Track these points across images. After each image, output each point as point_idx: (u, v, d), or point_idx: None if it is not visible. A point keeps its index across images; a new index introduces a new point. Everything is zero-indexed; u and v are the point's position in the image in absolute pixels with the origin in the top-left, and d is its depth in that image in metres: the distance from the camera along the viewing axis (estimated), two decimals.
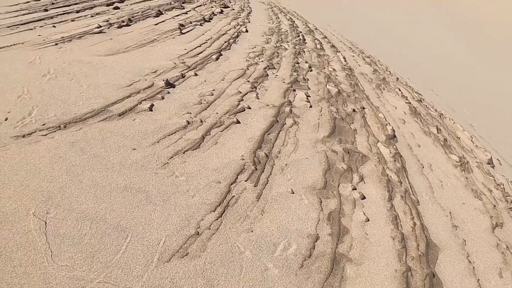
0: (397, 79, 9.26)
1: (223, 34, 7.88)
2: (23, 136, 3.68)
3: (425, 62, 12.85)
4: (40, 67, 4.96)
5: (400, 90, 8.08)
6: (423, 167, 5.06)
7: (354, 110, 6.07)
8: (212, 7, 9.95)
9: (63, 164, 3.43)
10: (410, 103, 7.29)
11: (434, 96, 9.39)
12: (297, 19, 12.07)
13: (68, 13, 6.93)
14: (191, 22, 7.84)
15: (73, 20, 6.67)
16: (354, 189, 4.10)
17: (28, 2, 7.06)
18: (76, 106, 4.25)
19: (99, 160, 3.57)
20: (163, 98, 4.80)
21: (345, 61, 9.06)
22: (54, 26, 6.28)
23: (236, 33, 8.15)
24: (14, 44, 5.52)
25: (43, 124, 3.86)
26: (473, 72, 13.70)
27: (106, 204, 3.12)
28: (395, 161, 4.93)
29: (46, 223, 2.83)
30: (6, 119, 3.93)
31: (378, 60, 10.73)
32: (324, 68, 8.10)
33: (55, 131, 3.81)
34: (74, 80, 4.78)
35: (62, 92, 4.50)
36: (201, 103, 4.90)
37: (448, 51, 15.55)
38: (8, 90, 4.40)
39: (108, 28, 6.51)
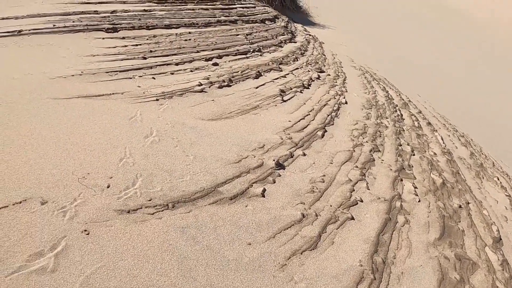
0: (493, 164, 9.20)
1: (324, 105, 7.84)
2: (128, 212, 3.62)
3: None
4: (142, 126, 5.00)
5: (498, 179, 8.10)
6: None
7: (460, 206, 6.02)
8: (308, 71, 10.00)
9: (174, 254, 3.31)
10: (509, 195, 7.32)
11: None
12: (390, 88, 12.02)
13: (167, 64, 7.10)
14: (291, 88, 7.86)
15: (172, 73, 6.81)
16: None
17: (125, 46, 7.27)
18: (184, 182, 4.18)
19: (213, 255, 3.43)
20: (274, 181, 4.69)
21: (443, 142, 8.89)
22: (153, 78, 6.41)
23: (336, 105, 8.10)
24: (113, 93, 5.66)
25: (149, 200, 3.78)
26: None
27: None
28: (503, 269, 4.84)
29: None
30: (108, 186, 3.89)
31: (471, 139, 10.68)
32: (425, 151, 7.98)
33: (163, 211, 3.73)
34: (179, 147, 4.75)
35: (167, 160, 4.47)
36: (313, 191, 4.75)
37: None
38: (109, 149, 4.41)
39: (209, 87, 6.60)
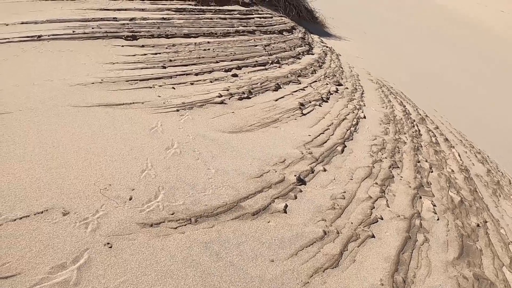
0: (510, 182, 9.20)
1: (343, 119, 7.83)
2: (151, 225, 3.62)
3: None
4: (162, 137, 5.01)
5: None
6: None
7: (478, 225, 6.03)
8: (327, 84, 10.00)
9: (197, 270, 3.31)
10: None
11: None
12: (407, 102, 12.00)
13: (187, 74, 7.14)
14: (310, 102, 7.87)
15: (192, 84, 6.83)
16: None
17: (145, 54, 7.31)
18: (206, 196, 4.18)
19: (237, 271, 3.45)
20: (296, 197, 4.68)
21: (461, 159, 8.89)
22: (173, 88, 6.45)
23: (355, 120, 8.09)
24: (133, 103, 5.70)
25: (172, 214, 3.79)
26: None
27: None
28: None
29: None
30: (130, 199, 3.89)
31: (488, 156, 10.62)
32: (443, 168, 7.97)
33: (185, 225, 3.74)
34: (200, 160, 4.76)
35: (189, 173, 4.47)
36: (334, 208, 4.75)
37: None
38: (130, 159, 4.41)
39: (229, 98, 6.62)
